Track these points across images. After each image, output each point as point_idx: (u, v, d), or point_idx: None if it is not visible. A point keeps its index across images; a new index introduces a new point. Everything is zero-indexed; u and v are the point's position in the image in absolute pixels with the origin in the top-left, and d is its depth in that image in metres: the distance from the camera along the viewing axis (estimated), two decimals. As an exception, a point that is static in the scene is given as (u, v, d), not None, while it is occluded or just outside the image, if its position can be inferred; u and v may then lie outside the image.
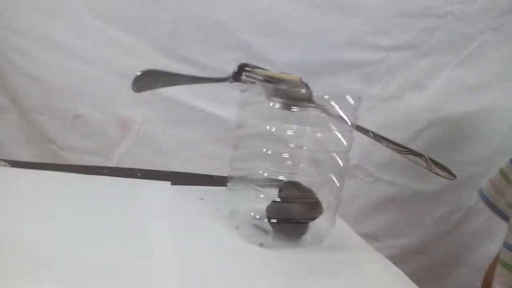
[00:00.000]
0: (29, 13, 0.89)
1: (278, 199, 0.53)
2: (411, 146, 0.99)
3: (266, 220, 0.53)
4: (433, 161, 0.59)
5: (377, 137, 0.60)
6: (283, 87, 0.56)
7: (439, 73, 0.98)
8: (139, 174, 0.67)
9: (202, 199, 0.62)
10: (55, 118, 0.93)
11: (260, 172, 0.52)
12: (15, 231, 0.44)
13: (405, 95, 1.00)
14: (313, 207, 0.54)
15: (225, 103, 0.96)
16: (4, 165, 0.62)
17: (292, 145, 0.53)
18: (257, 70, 0.60)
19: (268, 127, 0.51)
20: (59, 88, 0.92)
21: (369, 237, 1.04)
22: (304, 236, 0.55)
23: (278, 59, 0.95)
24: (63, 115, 0.93)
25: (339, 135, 0.55)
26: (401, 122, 1.01)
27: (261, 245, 0.52)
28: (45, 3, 0.89)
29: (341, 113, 0.55)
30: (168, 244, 0.49)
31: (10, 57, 0.90)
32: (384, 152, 0.97)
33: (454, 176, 0.58)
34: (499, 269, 0.71)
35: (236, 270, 0.47)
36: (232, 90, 0.98)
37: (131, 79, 0.94)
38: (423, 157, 0.59)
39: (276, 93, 0.55)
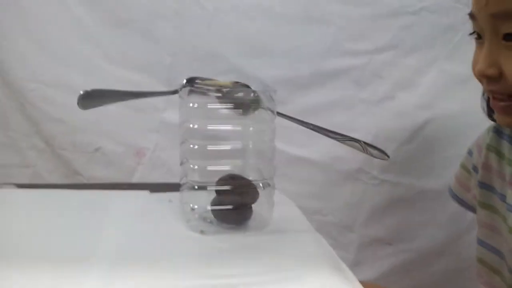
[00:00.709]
0: (52, 65, 1.05)
1: (215, 189, 0.59)
2: (411, 146, 1.01)
3: (209, 210, 0.60)
4: (367, 144, 0.62)
5: (313, 127, 0.64)
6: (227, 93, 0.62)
7: (427, 69, 0.99)
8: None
9: (170, 201, 0.70)
10: (79, 153, 1.07)
11: (191, 166, 0.59)
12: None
13: (397, 95, 1.02)
14: (249, 193, 0.59)
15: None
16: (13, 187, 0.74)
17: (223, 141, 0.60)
18: (206, 81, 0.68)
19: (191, 125, 0.58)
20: (81, 126, 1.06)
21: (382, 242, 1.05)
22: (248, 222, 0.61)
23: (268, 77, 1.02)
24: (86, 149, 1.07)
25: (265, 127, 0.61)
26: (397, 123, 1.02)
27: (202, 232, 0.58)
28: (66, 55, 1.05)
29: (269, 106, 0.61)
30: (118, 232, 0.57)
31: (39, 105, 1.06)
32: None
33: (387, 155, 0.61)
34: (479, 267, 0.69)
35: (166, 251, 0.53)
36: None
37: (141, 111, 1.08)
38: (359, 142, 0.62)
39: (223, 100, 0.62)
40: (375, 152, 0.61)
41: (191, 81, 0.68)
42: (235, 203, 0.59)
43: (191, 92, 0.62)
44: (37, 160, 1.09)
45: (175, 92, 0.66)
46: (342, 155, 1.04)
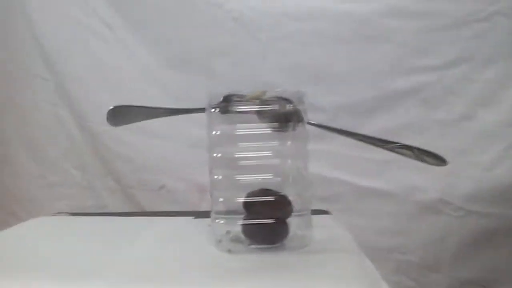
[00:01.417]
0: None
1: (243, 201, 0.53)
2: (499, 171, 0.88)
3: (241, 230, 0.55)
4: (421, 150, 0.53)
5: (355, 136, 0.57)
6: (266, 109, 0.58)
7: (509, 81, 0.87)
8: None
9: (209, 225, 0.66)
10: (145, 190, 1.08)
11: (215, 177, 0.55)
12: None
13: (477, 114, 0.90)
14: (280, 206, 0.53)
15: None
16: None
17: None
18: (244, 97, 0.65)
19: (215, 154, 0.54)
20: (146, 164, 1.08)
21: (474, 285, 0.89)
22: (282, 241, 0.54)
23: (328, 104, 0.97)
24: (151, 187, 1.08)
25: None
26: (479, 144, 0.90)
27: (229, 251, 0.53)
28: (134, 97, 1.10)
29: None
30: (157, 251, 0.54)
31: (110, 146, 1.11)
32: (469, 180, 0.87)
33: (445, 161, 0.51)
34: None
35: (186, 268, 0.49)
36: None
37: (202, 147, 1.08)
38: (411, 149, 0.54)
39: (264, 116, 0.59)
40: (430, 159, 0.52)
41: (227, 99, 0.65)
42: (265, 217, 0.53)
43: (225, 111, 0.59)
44: (109, 199, 1.12)
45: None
46: (419, 184, 0.93)
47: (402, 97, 0.93)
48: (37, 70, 1.12)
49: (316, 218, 0.57)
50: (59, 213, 0.77)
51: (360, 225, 0.97)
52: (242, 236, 0.54)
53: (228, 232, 0.56)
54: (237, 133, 0.56)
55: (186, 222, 0.70)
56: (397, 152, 0.55)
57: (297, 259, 0.50)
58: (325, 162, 0.99)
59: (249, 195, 0.54)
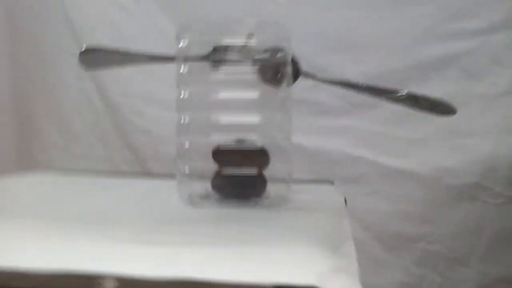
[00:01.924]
0: (141, 81, 1.08)
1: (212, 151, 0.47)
2: None
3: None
4: (427, 99, 0.44)
5: (350, 86, 0.49)
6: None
7: None
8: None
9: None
10: (161, 163, 1.04)
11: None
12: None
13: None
14: (255, 156, 0.46)
15: (310, 134, 0.92)
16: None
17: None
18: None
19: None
20: (164, 136, 1.04)
21: (506, 282, 0.78)
22: (257, 197, 0.47)
23: (356, 74, 0.88)
24: (168, 159, 1.04)
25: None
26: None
27: (197, 206, 0.47)
28: (152, 71, 1.07)
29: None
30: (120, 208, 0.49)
31: (128, 117, 1.08)
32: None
33: (455, 110, 0.42)
34: None
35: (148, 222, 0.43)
36: (322, 119, 0.94)
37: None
38: (417, 98, 0.45)
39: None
40: (439, 109, 0.43)
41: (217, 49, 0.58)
42: (239, 167, 0.46)
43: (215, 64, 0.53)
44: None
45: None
46: (453, 165, 0.82)
47: (438, 67, 0.83)
48: (66, 46, 1.11)
49: (314, 186, 0.49)
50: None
51: (384, 210, 0.88)
52: (212, 191, 0.47)
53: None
54: (213, 89, 0.49)
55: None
56: (402, 104, 0.46)
57: (266, 215, 0.43)
58: (349, 139, 0.90)
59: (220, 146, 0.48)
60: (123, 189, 0.62)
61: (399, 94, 0.46)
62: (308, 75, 0.52)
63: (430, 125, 0.85)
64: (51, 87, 1.16)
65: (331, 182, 0.65)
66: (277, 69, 0.51)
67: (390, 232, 0.87)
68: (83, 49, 0.53)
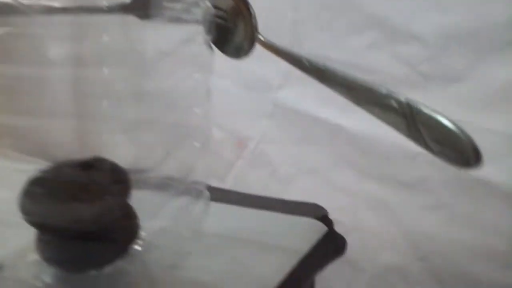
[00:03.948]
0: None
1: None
2: None
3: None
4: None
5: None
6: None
7: None
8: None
9: None
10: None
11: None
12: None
13: None
14: (98, 188, 0.24)
15: (353, 112, 0.66)
16: None
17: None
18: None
19: None
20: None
21: None
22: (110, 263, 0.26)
23: (428, 32, 0.61)
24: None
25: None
26: None
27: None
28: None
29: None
30: None
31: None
32: None
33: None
34: None
35: None
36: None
37: (257, 90, 0.80)
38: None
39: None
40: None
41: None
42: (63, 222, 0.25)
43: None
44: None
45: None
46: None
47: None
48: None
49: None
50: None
51: (452, 234, 0.62)
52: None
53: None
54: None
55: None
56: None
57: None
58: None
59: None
60: None
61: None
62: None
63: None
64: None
65: (320, 216, 0.39)
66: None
67: (456, 270, 0.60)
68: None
